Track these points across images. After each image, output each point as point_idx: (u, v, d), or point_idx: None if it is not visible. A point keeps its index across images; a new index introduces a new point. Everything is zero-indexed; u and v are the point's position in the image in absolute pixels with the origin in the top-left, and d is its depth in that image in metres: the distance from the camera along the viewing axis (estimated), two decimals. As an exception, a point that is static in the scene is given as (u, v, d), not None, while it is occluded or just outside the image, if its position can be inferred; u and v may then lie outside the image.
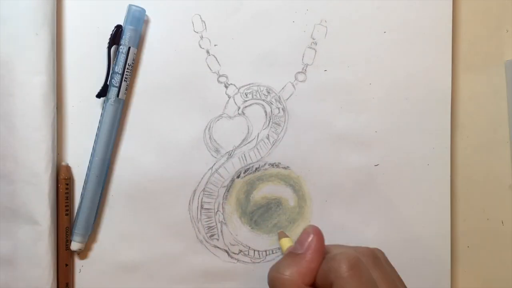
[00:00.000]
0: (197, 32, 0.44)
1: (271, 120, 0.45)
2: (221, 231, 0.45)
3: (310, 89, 0.45)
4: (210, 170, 0.44)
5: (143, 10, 0.42)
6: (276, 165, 0.45)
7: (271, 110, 0.45)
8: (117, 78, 0.42)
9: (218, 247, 0.45)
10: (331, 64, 0.45)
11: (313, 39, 0.45)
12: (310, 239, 0.36)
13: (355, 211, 0.45)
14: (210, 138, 0.44)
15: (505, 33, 0.48)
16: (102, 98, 0.43)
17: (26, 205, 0.41)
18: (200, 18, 0.44)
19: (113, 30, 0.42)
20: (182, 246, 0.44)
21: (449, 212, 0.46)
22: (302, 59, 0.45)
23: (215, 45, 0.44)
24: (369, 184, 0.45)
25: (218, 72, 0.44)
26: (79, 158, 0.43)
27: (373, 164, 0.45)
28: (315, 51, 0.45)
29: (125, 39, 0.42)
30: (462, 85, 0.47)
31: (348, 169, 0.45)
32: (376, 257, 0.35)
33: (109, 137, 0.43)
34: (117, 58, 0.42)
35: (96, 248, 0.44)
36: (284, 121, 0.45)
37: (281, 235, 0.43)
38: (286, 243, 0.41)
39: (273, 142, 0.45)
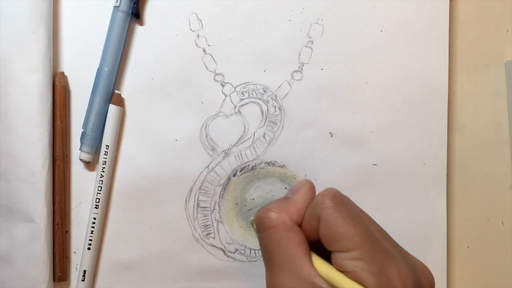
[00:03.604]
0: (193, 31, 0.44)
1: (267, 119, 0.45)
2: (217, 230, 0.45)
3: (307, 88, 0.45)
4: (207, 168, 0.44)
5: None
6: (272, 164, 0.45)
7: (268, 109, 0.45)
8: None
9: (214, 246, 0.45)
10: (328, 62, 0.45)
11: (310, 37, 0.45)
12: (302, 186, 0.36)
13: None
14: (206, 136, 0.44)
15: (505, 33, 0.48)
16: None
17: (22, 203, 0.42)
18: (197, 16, 0.44)
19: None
20: (178, 244, 0.44)
21: (445, 211, 0.46)
22: (299, 58, 0.45)
23: (211, 44, 0.44)
24: (365, 183, 0.45)
25: (215, 71, 0.44)
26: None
27: (369, 162, 0.45)
28: (312, 49, 0.45)
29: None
30: (462, 85, 0.47)
31: (344, 168, 0.45)
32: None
33: (119, 47, 0.43)
34: None
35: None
36: (281, 120, 0.45)
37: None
38: None
39: (269, 140, 0.45)
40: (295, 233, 0.34)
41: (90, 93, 0.43)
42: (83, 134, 0.43)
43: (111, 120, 0.43)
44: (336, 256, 0.32)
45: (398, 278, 0.30)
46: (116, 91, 0.43)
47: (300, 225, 0.35)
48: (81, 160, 0.43)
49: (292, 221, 0.34)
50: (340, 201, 0.33)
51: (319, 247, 0.34)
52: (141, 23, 0.44)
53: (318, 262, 0.33)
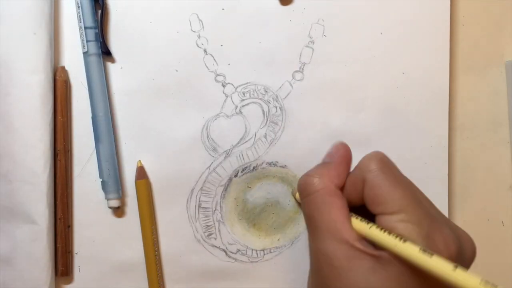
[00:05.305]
0: (194, 31, 0.44)
1: (268, 119, 0.45)
2: (219, 230, 0.45)
3: (308, 88, 0.45)
4: (208, 169, 0.44)
5: None
6: (273, 164, 0.45)
7: (269, 109, 0.45)
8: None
9: (215, 246, 0.45)
10: (329, 63, 0.45)
11: (311, 38, 0.45)
12: (338, 149, 0.37)
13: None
14: (207, 137, 0.44)
15: (505, 33, 0.48)
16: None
17: (24, 204, 0.41)
18: (197, 17, 0.44)
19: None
20: (179, 245, 0.44)
21: (447, 211, 0.46)
22: (300, 58, 0.45)
23: (212, 45, 0.44)
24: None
25: (216, 71, 0.44)
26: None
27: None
28: (313, 50, 0.45)
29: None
30: (462, 85, 0.47)
31: (346, 168, 0.45)
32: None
33: (103, 89, 0.43)
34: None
35: (94, 248, 0.44)
36: (282, 120, 0.45)
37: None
38: None
39: (270, 141, 0.45)
40: (337, 197, 0.35)
41: (94, 142, 0.43)
42: (103, 182, 0.43)
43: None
44: (382, 219, 0.32)
45: (443, 242, 0.31)
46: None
47: (342, 189, 0.35)
48: (110, 208, 0.43)
49: (334, 185, 0.35)
50: (386, 164, 0.34)
51: (360, 213, 0.34)
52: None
53: (359, 223, 0.33)
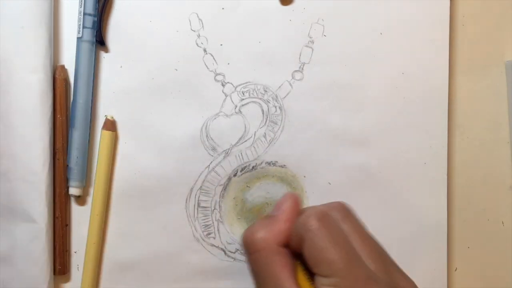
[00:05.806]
0: (194, 31, 0.44)
1: (268, 119, 0.45)
2: (218, 230, 0.45)
3: (307, 88, 0.45)
4: (207, 168, 0.44)
5: None
6: (273, 164, 0.45)
7: (268, 109, 0.45)
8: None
9: (214, 246, 0.45)
10: (328, 62, 0.45)
11: (310, 37, 0.45)
12: (284, 202, 0.36)
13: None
14: (207, 136, 0.44)
15: (505, 33, 0.48)
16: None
17: (23, 203, 0.41)
18: (197, 16, 0.44)
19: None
20: (178, 244, 0.44)
21: (445, 211, 0.46)
22: (299, 58, 0.45)
23: (212, 44, 0.44)
24: (365, 183, 0.45)
25: (215, 71, 0.44)
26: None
27: (370, 162, 0.45)
28: (312, 49, 0.45)
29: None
30: (462, 85, 0.47)
31: (345, 168, 0.45)
32: (347, 210, 0.35)
33: (89, 78, 0.43)
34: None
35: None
36: (281, 120, 0.45)
37: None
38: None
39: (270, 140, 0.45)
40: (280, 255, 0.34)
41: (70, 127, 0.43)
42: (69, 169, 0.43)
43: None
44: (317, 280, 0.32)
45: None
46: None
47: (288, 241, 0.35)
48: (71, 195, 0.43)
49: (278, 242, 0.34)
50: (326, 222, 0.33)
51: None
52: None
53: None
